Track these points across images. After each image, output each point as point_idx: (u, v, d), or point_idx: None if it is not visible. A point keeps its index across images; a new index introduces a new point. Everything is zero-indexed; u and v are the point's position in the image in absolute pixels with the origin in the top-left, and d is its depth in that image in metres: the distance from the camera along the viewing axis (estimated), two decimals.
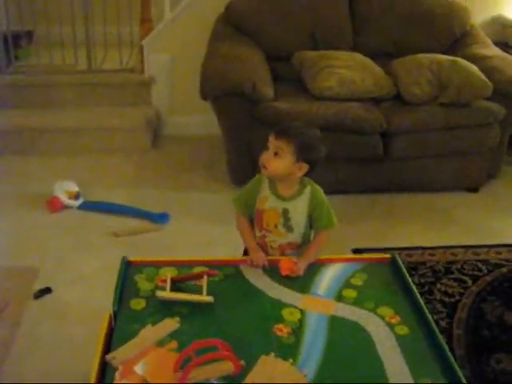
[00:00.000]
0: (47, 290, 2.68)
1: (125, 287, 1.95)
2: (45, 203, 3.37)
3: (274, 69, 3.76)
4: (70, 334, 2.48)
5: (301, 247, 2.18)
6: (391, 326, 1.82)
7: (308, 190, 2.10)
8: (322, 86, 3.50)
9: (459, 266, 2.94)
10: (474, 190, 3.71)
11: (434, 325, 1.81)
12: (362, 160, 3.51)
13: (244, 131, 3.46)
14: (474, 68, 3.45)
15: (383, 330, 1.81)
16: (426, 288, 2.76)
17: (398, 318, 1.85)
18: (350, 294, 1.96)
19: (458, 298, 2.72)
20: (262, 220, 2.13)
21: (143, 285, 1.97)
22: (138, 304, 1.88)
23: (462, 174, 3.64)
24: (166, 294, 1.87)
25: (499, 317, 2.60)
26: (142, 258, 2.12)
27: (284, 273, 2.02)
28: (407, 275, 2.03)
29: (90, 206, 3.39)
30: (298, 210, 2.10)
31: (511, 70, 3.53)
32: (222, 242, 3.03)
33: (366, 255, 2.26)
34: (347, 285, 2.00)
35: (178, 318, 1.81)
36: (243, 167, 3.47)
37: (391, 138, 3.44)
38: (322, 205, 2.11)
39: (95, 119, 4.11)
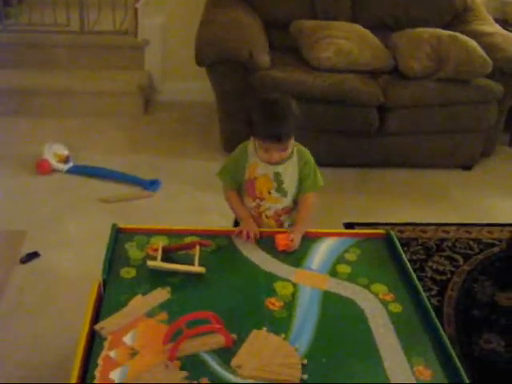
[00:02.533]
0: (35, 255, 2.64)
1: (115, 255, 1.92)
2: (34, 165, 3.30)
3: (271, 37, 3.68)
4: (57, 300, 2.44)
5: (293, 210, 2.17)
6: (385, 304, 1.80)
7: (295, 150, 2.08)
8: (319, 55, 3.43)
9: (451, 244, 2.93)
10: (468, 167, 3.68)
11: (428, 303, 1.79)
12: (357, 133, 3.46)
13: (239, 99, 3.39)
14: (475, 44, 3.39)
15: (377, 307, 1.79)
16: (418, 265, 2.75)
17: (391, 296, 1.84)
18: (344, 269, 1.94)
19: (449, 276, 2.71)
20: (254, 188, 2.10)
21: (134, 253, 1.94)
22: (128, 273, 1.85)
23: (456, 152, 3.61)
24: (158, 264, 1.84)
25: (490, 297, 2.59)
26: (133, 225, 2.08)
27: (280, 248, 1.98)
28: (402, 252, 2.01)
29: (79, 170, 3.32)
30: (289, 172, 2.08)
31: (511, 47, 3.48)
32: (213, 209, 2.98)
33: (360, 230, 2.22)
34: (341, 260, 1.98)
35: (168, 289, 1.79)
36: (237, 135, 3.34)
37: (387, 112, 3.39)
38: (310, 164, 2.10)
39: (87, 82, 4.01)
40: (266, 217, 2.13)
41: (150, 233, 2.04)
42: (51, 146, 3.33)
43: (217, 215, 2.89)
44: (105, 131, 3.82)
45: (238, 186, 2.14)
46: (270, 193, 2.08)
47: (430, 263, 2.77)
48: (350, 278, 1.90)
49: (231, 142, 3.50)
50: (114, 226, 2.03)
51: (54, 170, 3.29)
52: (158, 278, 1.82)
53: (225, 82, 3.40)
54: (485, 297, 2.59)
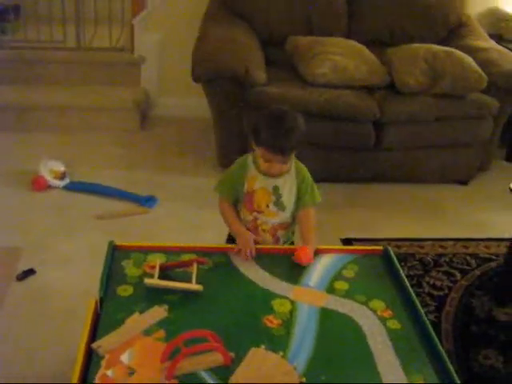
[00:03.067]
0: (31, 272, 2.63)
1: (112, 273, 1.90)
2: (30, 182, 3.29)
3: (267, 53, 3.70)
4: (53, 317, 2.42)
5: (290, 227, 2.17)
6: (383, 320, 1.79)
7: (293, 166, 2.09)
8: (315, 72, 3.44)
9: (448, 259, 2.92)
10: (464, 182, 3.69)
11: (426, 320, 1.78)
12: (353, 149, 3.48)
13: (235, 115, 3.40)
14: (470, 60, 3.41)
15: (375, 324, 1.78)
16: (415, 280, 2.74)
17: (389, 312, 1.83)
18: (342, 285, 1.93)
19: (446, 291, 2.70)
20: (252, 202, 2.09)
21: (131, 271, 1.92)
22: (125, 291, 1.84)
23: (452, 166, 3.62)
24: (155, 282, 1.83)
25: (487, 312, 2.58)
26: (130, 242, 2.07)
27: (305, 261, 1.98)
28: (400, 268, 2.00)
29: (75, 187, 3.32)
30: (288, 186, 2.08)
31: (506, 63, 3.50)
32: (209, 226, 2.97)
33: (357, 246, 2.22)
34: (339, 276, 1.97)
35: (166, 307, 1.77)
36: (233, 151, 3.38)
37: (383, 128, 3.41)
38: (307, 180, 2.11)
39: (83, 98, 4.02)
40: (263, 231, 2.13)
41: (147, 250, 2.03)
42: (47, 163, 3.32)
43: (213, 232, 2.87)
44: (101, 147, 3.82)
45: (234, 200, 2.14)
46: (268, 206, 2.08)
47: (427, 279, 2.77)
48: (348, 295, 1.89)
49: (228, 159, 3.49)
50: (110, 243, 2.02)
51: (50, 187, 3.29)
52: (155, 296, 1.81)
53: (221, 99, 3.41)
54: (483, 312, 2.59)
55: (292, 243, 2.25)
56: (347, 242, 2.99)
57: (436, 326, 2.46)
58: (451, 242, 3.07)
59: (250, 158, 2.09)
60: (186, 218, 3.15)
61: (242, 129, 3.35)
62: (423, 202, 3.51)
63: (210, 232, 2.93)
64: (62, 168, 3.34)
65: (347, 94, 3.39)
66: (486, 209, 3.48)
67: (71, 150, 3.74)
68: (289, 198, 2.09)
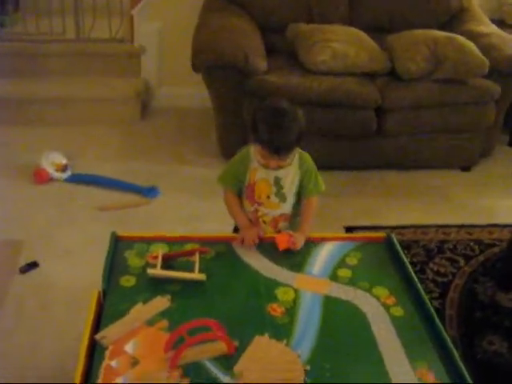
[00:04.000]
0: (34, 265, 2.62)
1: (114, 264, 1.90)
2: (31, 175, 3.29)
3: (267, 41, 3.67)
4: (57, 309, 2.43)
5: (292, 218, 2.15)
6: (386, 307, 1.79)
7: (296, 156, 2.06)
8: (315, 59, 3.42)
9: (452, 246, 2.91)
10: (467, 168, 3.68)
11: (429, 306, 1.78)
12: (356, 136, 3.46)
13: (235, 104, 3.39)
14: (471, 45, 3.38)
15: (378, 311, 1.78)
16: (419, 267, 2.73)
17: (393, 299, 1.82)
18: (345, 273, 1.93)
19: (450, 277, 2.69)
20: (253, 193, 2.08)
21: (133, 261, 1.92)
22: (127, 281, 1.84)
23: (455, 153, 3.60)
24: (157, 272, 1.83)
25: (491, 298, 2.58)
26: (132, 233, 2.06)
27: (282, 247, 1.98)
28: (403, 255, 2.00)
29: (77, 179, 3.31)
30: (290, 177, 2.06)
31: (508, 48, 3.47)
32: (211, 216, 2.97)
33: (360, 234, 2.21)
34: (342, 264, 1.97)
35: (169, 296, 1.77)
36: (234, 141, 3.40)
37: (385, 114, 3.39)
38: (311, 169, 2.09)
39: (83, 89, 4.00)
40: (264, 222, 2.12)
41: (150, 240, 2.02)
42: (49, 155, 3.32)
43: (215, 222, 2.87)
44: (102, 138, 3.82)
45: (238, 191, 2.13)
46: (268, 197, 2.07)
47: (431, 265, 2.76)
48: (351, 282, 1.89)
49: (229, 149, 3.51)
50: (113, 234, 2.02)
51: (52, 179, 3.28)
52: (158, 286, 1.81)
53: (221, 88, 3.40)
54: (486, 298, 2.58)
55: None
56: (351, 229, 2.98)
57: (440, 312, 2.45)
58: (455, 229, 3.06)
59: (251, 149, 2.06)
60: (188, 208, 3.14)
61: (242, 118, 3.34)
62: (426, 189, 3.49)
63: (213, 222, 2.92)
64: (63, 160, 3.34)
65: (348, 82, 3.37)
66: (490, 194, 3.46)
67: (72, 142, 3.73)
68: (290, 188, 2.08)
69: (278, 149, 1.91)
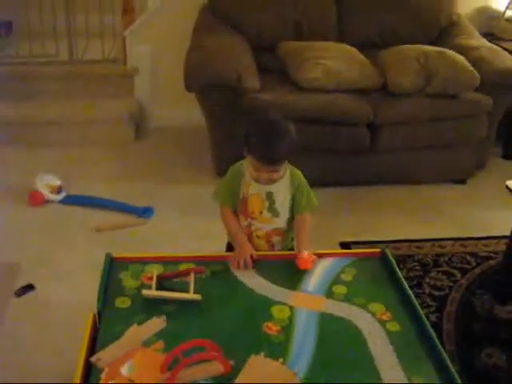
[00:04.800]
0: (29, 287, 2.62)
1: (109, 285, 1.90)
2: (26, 197, 3.28)
3: (259, 60, 3.68)
4: (53, 332, 2.42)
5: (286, 234, 2.16)
6: (382, 323, 1.78)
7: (288, 172, 2.08)
8: (307, 77, 3.44)
9: (447, 259, 2.92)
10: (461, 181, 3.69)
11: (426, 321, 1.78)
12: (349, 152, 3.47)
13: (229, 123, 3.40)
14: (462, 59, 3.41)
15: (374, 327, 1.77)
16: (415, 281, 2.73)
17: (389, 315, 1.82)
18: (340, 289, 1.93)
19: (447, 291, 2.69)
20: (246, 207, 2.09)
21: (128, 282, 1.92)
22: (123, 303, 1.83)
23: (449, 166, 3.62)
24: (152, 293, 1.82)
25: (489, 310, 2.57)
26: (127, 254, 2.06)
27: (304, 267, 1.97)
28: (397, 270, 2.00)
29: (72, 200, 3.31)
30: (282, 192, 2.08)
31: (499, 60, 3.51)
32: (207, 235, 2.97)
33: (355, 250, 2.21)
34: (337, 280, 1.97)
35: (164, 317, 1.76)
36: (228, 159, 3.36)
37: (378, 130, 3.40)
38: (302, 185, 2.10)
39: (77, 111, 4.02)
40: (257, 237, 2.12)
41: (145, 261, 2.02)
42: (43, 177, 3.32)
43: (211, 240, 2.84)
44: (96, 159, 3.82)
45: (233, 204, 2.14)
46: (261, 212, 2.08)
47: (427, 279, 2.76)
48: (347, 299, 1.89)
49: (223, 167, 3.45)
50: (107, 255, 2.02)
51: (47, 201, 3.28)
52: (153, 307, 1.80)
53: (215, 107, 3.41)
54: (484, 311, 2.57)
55: (291, 250, 2.22)
56: (346, 245, 2.98)
57: (438, 326, 2.45)
58: (450, 242, 3.06)
59: (244, 163, 2.09)
60: (184, 227, 3.14)
61: (237, 136, 3.35)
62: (421, 203, 3.50)
63: (208, 240, 2.91)
64: (57, 182, 3.34)
65: (341, 98, 3.38)
66: (485, 207, 3.47)
67: (67, 163, 3.74)
68: (283, 204, 2.09)
69: (270, 159, 1.94)
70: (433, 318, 2.51)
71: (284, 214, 2.11)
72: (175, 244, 2.96)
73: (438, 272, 2.81)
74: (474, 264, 2.89)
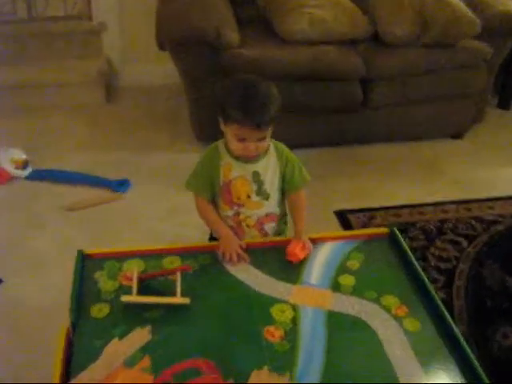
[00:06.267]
0: None
1: (83, 289, 1.65)
2: None
3: (238, 11, 3.37)
4: (24, 340, 2.13)
5: (279, 218, 1.91)
6: (399, 320, 1.57)
7: (272, 146, 1.81)
8: (291, 28, 3.14)
9: (452, 225, 2.70)
10: (458, 136, 3.46)
11: (446, 314, 1.57)
12: (340, 109, 3.21)
13: (208, 82, 3.09)
14: (460, 4, 3.13)
15: (390, 326, 1.56)
16: (419, 254, 2.52)
17: (404, 309, 1.60)
18: (348, 280, 1.70)
19: (454, 263, 2.48)
20: (230, 193, 1.82)
21: (105, 285, 1.67)
22: (100, 311, 1.58)
23: (446, 120, 3.38)
24: (133, 298, 1.57)
25: (500, 283, 2.38)
26: (101, 249, 1.80)
27: (297, 258, 1.74)
28: (409, 252, 1.78)
29: (40, 175, 3.01)
30: (270, 170, 1.81)
31: (499, 4, 3.22)
32: (189, 209, 2.68)
33: (359, 231, 1.96)
34: (343, 269, 1.74)
35: (149, 327, 1.52)
36: (208, 121, 3.11)
37: (371, 85, 3.15)
38: (292, 159, 1.84)
39: (41, 74, 3.69)
40: (248, 226, 1.87)
41: (122, 256, 1.77)
42: (7, 151, 3.02)
43: (194, 215, 2.61)
44: (64, 127, 3.50)
45: (211, 196, 1.86)
46: (249, 197, 1.82)
47: (432, 250, 2.55)
48: (356, 291, 1.66)
49: (203, 130, 3.25)
50: (79, 253, 1.76)
51: (12, 178, 2.98)
52: (135, 315, 1.56)
53: (191, 66, 3.10)
54: (495, 283, 2.38)
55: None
56: (341, 214, 2.76)
57: (448, 303, 2.25)
58: (453, 206, 2.84)
59: (220, 144, 1.81)
60: (163, 201, 2.88)
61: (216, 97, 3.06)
62: (418, 162, 3.27)
63: (191, 215, 2.64)
64: (23, 156, 3.04)
65: (329, 51, 3.10)
66: (484, 164, 3.26)
67: (31, 133, 3.40)
68: (272, 183, 1.83)
69: (257, 119, 1.64)
70: (441, 294, 2.30)
71: (274, 195, 1.85)
72: (155, 220, 2.73)
73: (443, 241, 2.60)
74: (480, 230, 2.69)
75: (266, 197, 1.83)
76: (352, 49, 3.16)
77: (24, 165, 3.02)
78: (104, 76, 3.77)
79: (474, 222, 2.72)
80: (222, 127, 1.75)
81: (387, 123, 3.29)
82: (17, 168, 3.00)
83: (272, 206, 1.86)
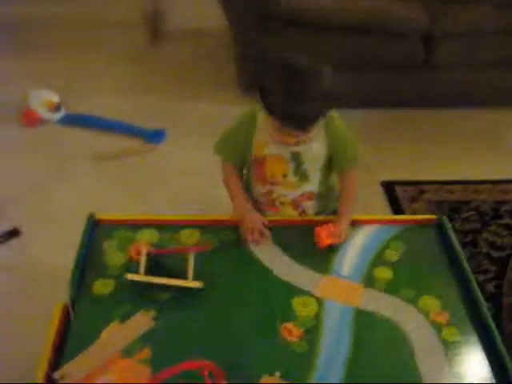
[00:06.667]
0: (14, 233, 2.22)
1: (88, 260, 1.50)
2: (18, 116, 2.84)
3: None
4: (38, 298, 1.98)
5: (322, 197, 1.69)
6: (437, 327, 1.36)
7: (321, 124, 1.51)
8: None
9: (510, 208, 2.44)
10: None
11: (494, 328, 1.35)
12: (397, 68, 2.97)
13: (256, 30, 2.86)
14: None
15: (427, 333, 1.36)
16: (470, 238, 2.27)
17: (446, 315, 1.40)
18: (384, 273, 1.50)
19: (508, 251, 2.23)
20: (263, 170, 1.62)
21: (113, 257, 1.51)
22: (104, 287, 1.44)
23: None
24: (139, 277, 1.41)
25: None
26: (113, 215, 1.64)
27: (324, 244, 1.53)
28: (459, 247, 1.56)
29: (72, 120, 2.87)
30: (314, 149, 1.57)
31: None
32: None
33: (403, 216, 1.73)
34: (380, 260, 1.54)
35: (153, 312, 1.37)
36: (254, 72, 2.91)
37: (434, 42, 2.88)
38: (344, 138, 1.59)
39: (79, 11, 3.50)
40: (282, 204, 1.67)
41: (136, 225, 1.60)
42: (39, 93, 2.87)
43: None
44: (104, 70, 3.33)
45: (241, 164, 1.66)
46: (285, 176, 1.61)
47: (485, 235, 2.30)
48: (392, 288, 1.46)
49: (249, 81, 3.03)
50: (90, 217, 1.60)
51: (43, 121, 2.84)
52: (141, 295, 1.41)
53: (239, 10, 2.87)
54: None
55: (334, 212, 1.74)
56: (389, 186, 2.53)
57: (496, 299, 2.02)
58: None
59: (259, 113, 1.55)
60: (199, 156, 2.66)
61: (264, 46, 2.83)
62: (480, 131, 2.98)
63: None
64: (55, 98, 2.89)
65: (390, 3, 2.81)
66: None
67: (66, 75, 3.24)
68: (314, 162, 1.60)
69: (301, 122, 1.42)
70: (490, 287, 2.07)
71: (315, 175, 1.63)
72: (187, 178, 2.56)
73: (499, 225, 2.35)
74: None
75: (305, 177, 1.63)
76: (416, 2, 2.86)
77: (57, 107, 2.87)
78: (149, 17, 3.56)
79: None
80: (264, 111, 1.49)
81: (450, 87, 3.01)
82: (49, 110, 2.85)
83: (312, 186, 1.65)
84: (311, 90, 1.37)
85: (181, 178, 2.56)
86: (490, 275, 2.13)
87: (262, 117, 1.53)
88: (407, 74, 2.96)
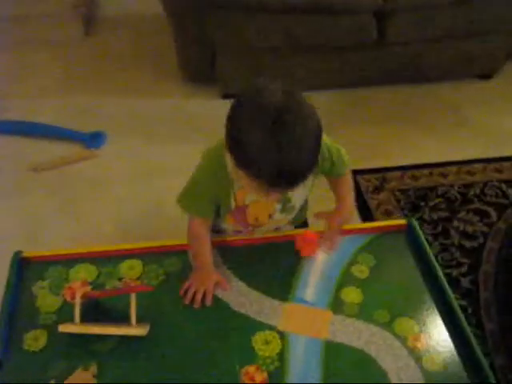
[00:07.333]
0: None
1: (17, 307, 1.29)
2: None
3: None
4: None
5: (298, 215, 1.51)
6: (417, 356, 1.21)
7: None
8: None
9: (479, 191, 2.31)
10: (486, 76, 3.00)
11: (479, 353, 1.20)
12: (350, 47, 2.79)
13: (197, 20, 2.64)
14: None
15: (407, 366, 1.20)
16: (440, 228, 2.13)
17: (423, 340, 1.25)
18: (353, 295, 1.34)
19: (481, 240, 2.10)
20: (245, 216, 1.41)
21: (46, 301, 1.32)
22: (35, 341, 1.24)
23: (472, 59, 2.92)
24: (73, 328, 1.22)
25: None
26: (43, 252, 1.43)
27: (306, 253, 1.39)
28: (431, 256, 1.41)
29: (3, 128, 2.62)
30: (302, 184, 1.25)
31: None
32: (173, 169, 2.32)
33: (370, 224, 1.56)
34: (347, 278, 1.38)
35: (94, 368, 1.18)
36: (197, 59, 2.72)
37: (387, 17, 2.70)
38: (330, 151, 1.37)
39: (8, 4, 3.21)
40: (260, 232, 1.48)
41: (70, 259, 1.40)
42: None
43: (178, 178, 2.23)
44: (34, 67, 3.07)
45: (211, 215, 1.40)
46: (271, 217, 1.41)
47: (455, 223, 2.16)
48: (363, 313, 1.30)
49: (191, 68, 2.82)
50: (15, 255, 1.40)
51: None
52: (78, 347, 1.22)
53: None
54: None
55: (305, 223, 1.58)
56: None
57: (472, 295, 1.89)
58: (481, 166, 2.44)
59: (227, 156, 1.18)
60: (143, 158, 2.49)
61: (206, 34, 2.61)
62: (440, 107, 2.84)
63: (175, 178, 2.27)
64: None
65: None
66: None
67: None
68: (303, 195, 1.43)
69: (289, 181, 1.11)
70: (466, 282, 1.94)
71: (301, 203, 1.46)
72: (132, 184, 2.38)
73: (469, 211, 2.21)
74: None
75: (291, 211, 1.44)
76: None
77: None
78: (82, 5, 3.29)
79: (504, 187, 2.32)
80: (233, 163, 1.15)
81: (405, 62, 2.86)
82: None
83: (296, 213, 1.47)
84: (299, 138, 1.06)
85: (125, 186, 2.36)
86: (464, 269, 1.99)
87: (230, 163, 1.20)
88: (360, 53, 2.78)
